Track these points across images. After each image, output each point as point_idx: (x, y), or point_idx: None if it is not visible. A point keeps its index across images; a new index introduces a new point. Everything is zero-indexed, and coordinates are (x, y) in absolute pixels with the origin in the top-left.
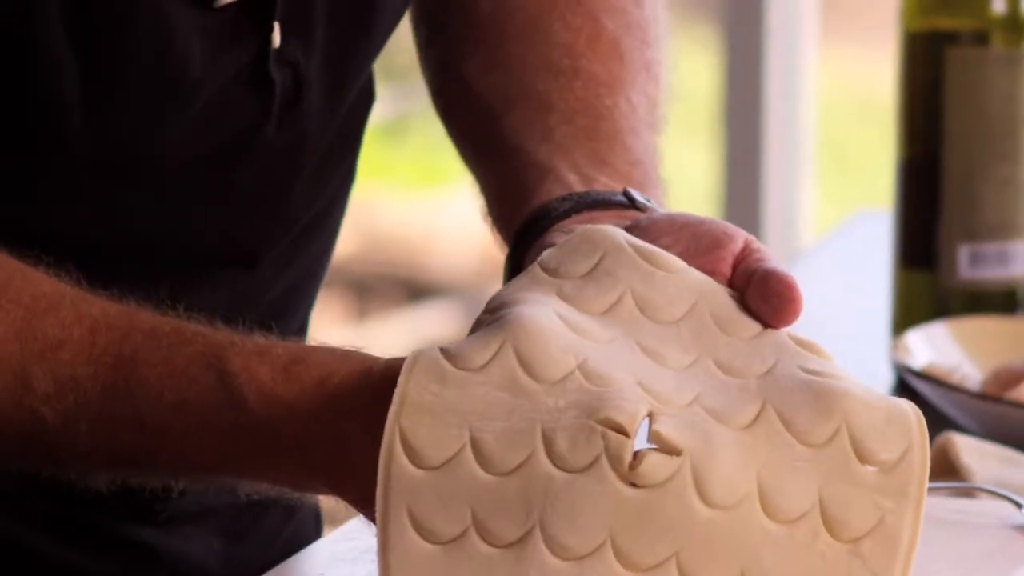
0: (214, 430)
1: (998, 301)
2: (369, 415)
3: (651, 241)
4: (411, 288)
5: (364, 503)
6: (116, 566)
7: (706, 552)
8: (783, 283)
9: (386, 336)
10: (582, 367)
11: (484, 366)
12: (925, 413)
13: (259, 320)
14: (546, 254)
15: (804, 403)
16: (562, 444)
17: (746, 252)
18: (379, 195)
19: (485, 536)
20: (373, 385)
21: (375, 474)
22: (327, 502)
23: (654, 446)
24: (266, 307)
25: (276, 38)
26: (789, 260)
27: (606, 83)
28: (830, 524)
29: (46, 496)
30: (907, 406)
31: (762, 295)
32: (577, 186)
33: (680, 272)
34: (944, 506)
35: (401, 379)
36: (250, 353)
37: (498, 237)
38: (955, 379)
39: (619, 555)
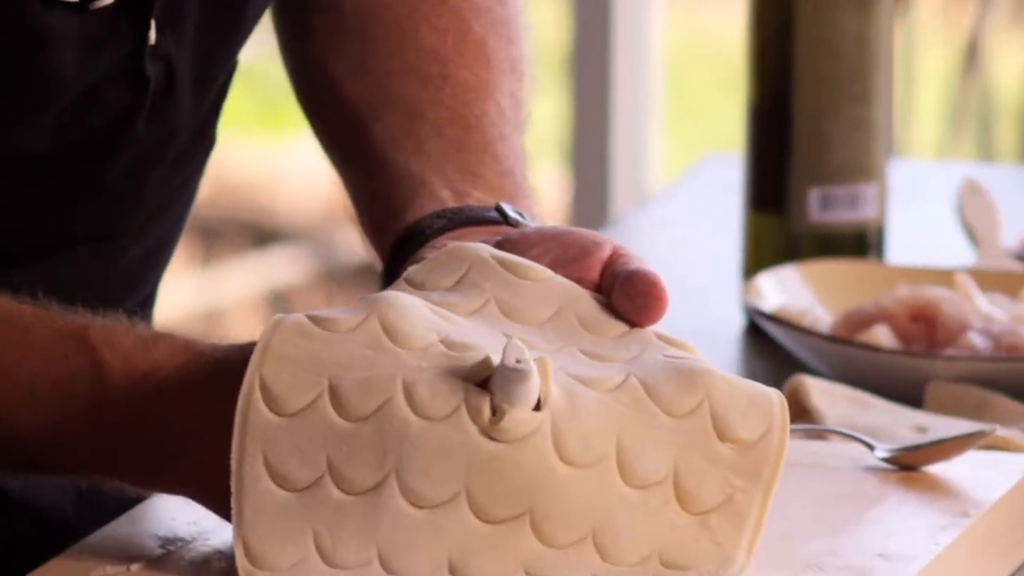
0: (74, 399)
1: (848, 244)
2: (226, 401)
3: (521, 253)
4: (257, 233)
5: (210, 494)
6: None
7: (560, 509)
8: (647, 282)
9: (233, 281)
10: (445, 341)
11: (350, 330)
12: (776, 356)
13: (116, 283)
14: (412, 269)
15: (668, 377)
16: (423, 392)
17: (613, 257)
18: (225, 140)
19: (339, 483)
20: (235, 370)
21: (227, 467)
22: None
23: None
24: (122, 272)
25: (152, 35)
26: (638, 205)
27: (474, 89)
28: (681, 495)
29: None
30: (773, 393)
31: (627, 295)
32: (450, 202)
33: (545, 280)
34: (796, 448)
35: (265, 331)
36: (112, 327)
37: (369, 247)
38: (806, 322)
39: (473, 507)
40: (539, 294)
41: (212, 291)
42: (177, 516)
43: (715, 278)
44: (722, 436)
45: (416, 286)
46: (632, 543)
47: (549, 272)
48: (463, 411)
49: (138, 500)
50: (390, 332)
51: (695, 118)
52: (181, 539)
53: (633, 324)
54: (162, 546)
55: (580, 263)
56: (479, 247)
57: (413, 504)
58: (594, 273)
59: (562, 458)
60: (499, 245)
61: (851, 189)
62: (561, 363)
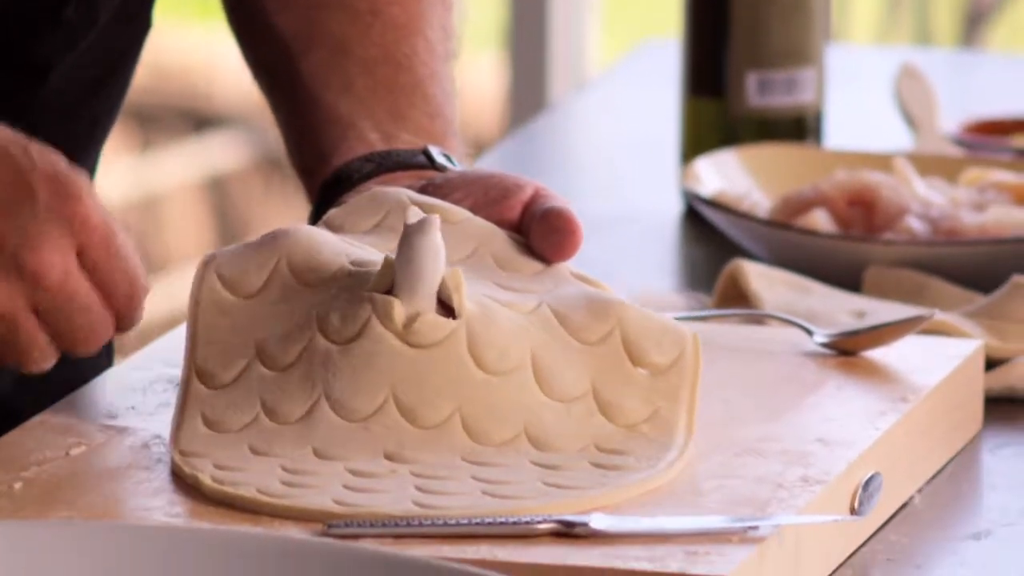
0: None
1: (787, 128)
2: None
3: (444, 197)
4: (195, 118)
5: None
6: None
7: (488, 410)
8: (562, 218)
9: (171, 167)
10: (354, 261)
11: (262, 288)
12: (715, 241)
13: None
14: (331, 212)
15: (579, 306)
16: (334, 320)
17: (534, 198)
18: (163, 27)
19: (272, 416)
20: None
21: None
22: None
23: None
24: (61, 133)
25: None
26: (576, 91)
27: (404, 25)
28: (604, 408)
29: None
30: (686, 327)
31: (542, 232)
32: (379, 144)
33: (461, 222)
34: (736, 333)
35: (189, 316)
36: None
37: (301, 186)
38: (744, 206)
39: (403, 411)
40: (455, 235)
41: (150, 177)
42: (115, 401)
43: (653, 164)
44: (636, 361)
45: (334, 229)
46: (566, 439)
47: (467, 214)
48: (374, 322)
49: (80, 382)
50: (298, 272)
51: (633, 3)
52: (121, 425)
53: (548, 260)
54: (102, 430)
55: (501, 204)
56: (399, 191)
57: (345, 418)
58: (514, 214)
59: (479, 364)
60: (423, 190)
61: (789, 73)
62: (476, 289)
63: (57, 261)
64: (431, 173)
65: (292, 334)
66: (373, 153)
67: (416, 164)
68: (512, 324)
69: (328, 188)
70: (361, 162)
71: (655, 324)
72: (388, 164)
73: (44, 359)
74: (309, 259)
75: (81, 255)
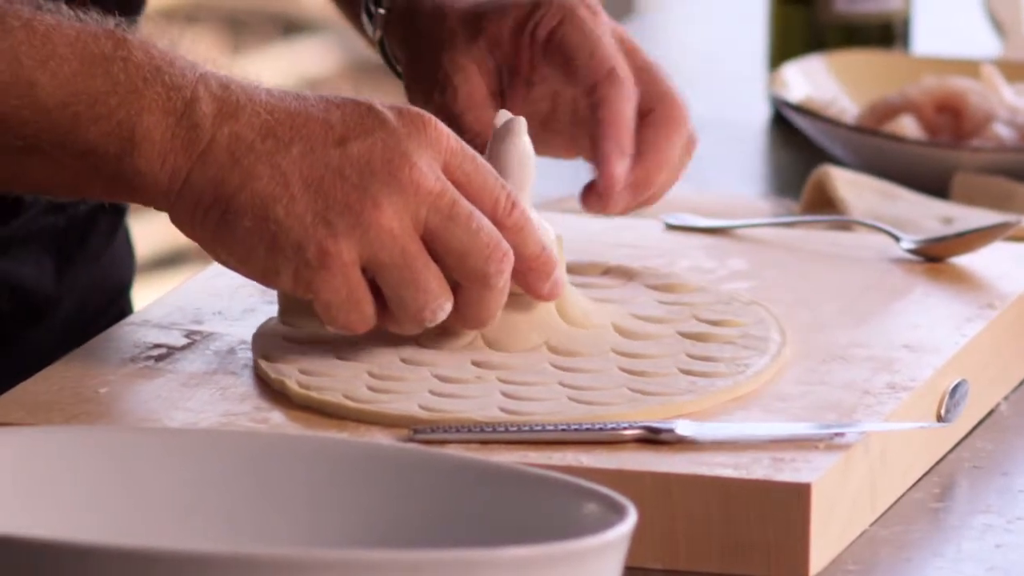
0: (88, 53)
1: (874, 34)
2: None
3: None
4: (284, 22)
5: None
6: None
7: (575, 341)
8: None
9: (260, 72)
10: None
11: None
12: (802, 147)
13: None
14: None
15: (651, 301)
16: None
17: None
18: None
19: None
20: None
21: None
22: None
23: None
24: None
25: None
26: None
27: None
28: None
29: None
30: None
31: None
32: None
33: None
34: (823, 239)
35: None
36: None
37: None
38: (831, 112)
39: (488, 343)
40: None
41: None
42: (202, 306)
43: (741, 70)
44: (719, 325)
45: None
46: (656, 349)
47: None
48: None
49: (109, 276)
50: None
51: None
52: (207, 330)
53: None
54: (187, 335)
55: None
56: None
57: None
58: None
59: (564, 317)
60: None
61: None
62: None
63: (429, 172)
64: None
65: None
66: None
67: None
68: (595, 304)
69: None
70: None
71: (723, 297)
72: None
73: (443, 295)
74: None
75: (447, 171)
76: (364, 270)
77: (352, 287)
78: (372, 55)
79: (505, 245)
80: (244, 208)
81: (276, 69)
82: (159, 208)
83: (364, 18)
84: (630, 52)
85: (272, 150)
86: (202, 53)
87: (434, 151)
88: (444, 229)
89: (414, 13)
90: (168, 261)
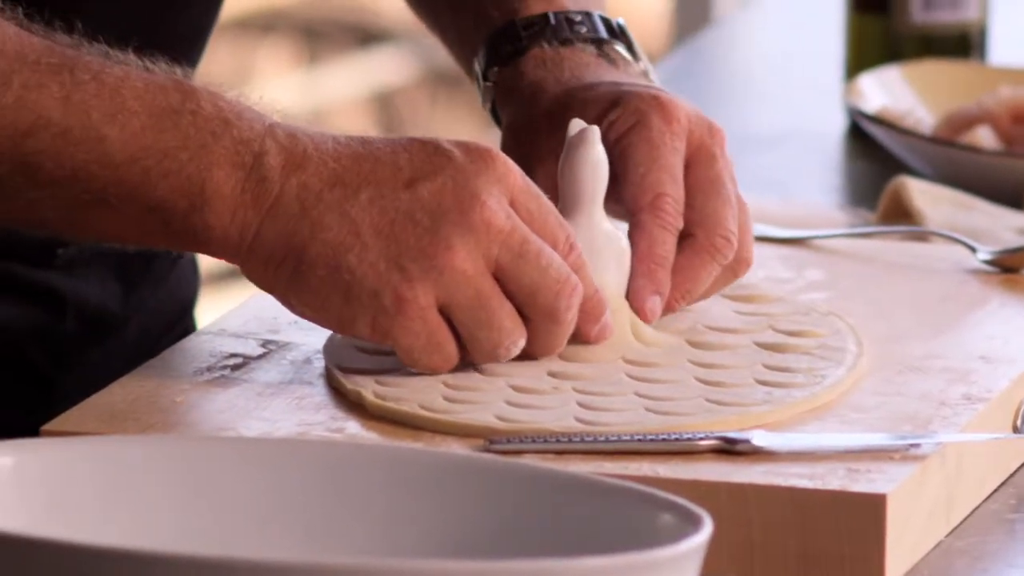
0: (156, 106)
1: (951, 45)
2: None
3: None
4: (361, 33)
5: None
6: (24, 310)
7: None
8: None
9: (336, 81)
10: None
11: None
12: (878, 157)
13: (178, 41)
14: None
15: (729, 315)
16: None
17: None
18: None
19: None
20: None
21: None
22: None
23: None
24: (183, 32)
25: None
26: (741, 6)
27: None
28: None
29: None
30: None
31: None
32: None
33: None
34: (899, 250)
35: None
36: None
37: (460, 57)
38: (908, 123)
39: (564, 355)
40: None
41: (317, 91)
42: (279, 315)
43: (818, 79)
44: (797, 336)
45: None
46: (732, 360)
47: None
48: None
49: (173, 298)
50: None
51: None
52: (283, 340)
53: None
54: (264, 344)
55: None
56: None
57: None
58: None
59: (637, 336)
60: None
61: None
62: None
63: (499, 210)
64: (593, 61)
65: None
66: (549, 13)
67: (584, 37)
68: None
69: (497, 38)
70: (535, 17)
71: (800, 308)
72: (561, 34)
73: (517, 332)
74: None
75: (514, 207)
76: (440, 310)
77: (431, 330)
78: (448, 66)
79: (574, 279)
80: (316, 259)
81: (352, 79)
82: (229, 261)
83: (476, 84)
84: (702, 160)
85: (341, 198)
86: (270, 105)
87: (502, 186)
88: (515, 267)
89: (513, 89)
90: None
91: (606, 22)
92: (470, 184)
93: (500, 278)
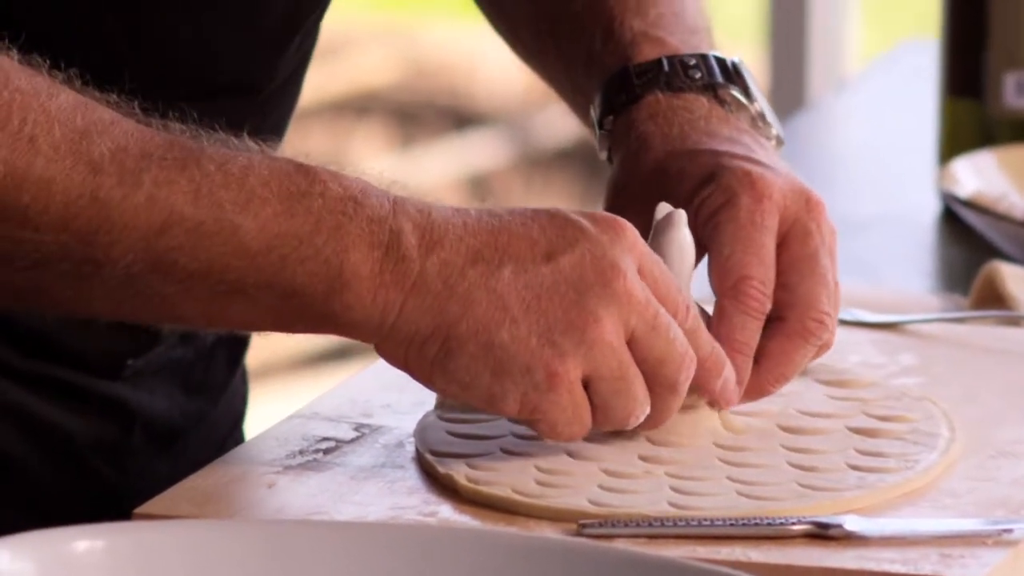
0: (285, 191)
1: None
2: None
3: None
4: (456, 116)
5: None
6: (90, 421)
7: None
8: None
9: (431, 164)
10: None
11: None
12: (971, 242)
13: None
14: None
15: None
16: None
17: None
18: (422, 21)
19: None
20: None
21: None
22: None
23: None
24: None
25: None
26: (835, 90)
27: None
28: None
29: (22, 351)
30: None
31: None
32: (677, 49)
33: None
34: (992, 335)
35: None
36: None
37: (575, 105)
38: (1002, 208)
39: (653, 441)
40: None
41: (411, 174)
42: (372, 398)
43: (911, 164)
44: (890, 421)
45: None
46: (825, 444)
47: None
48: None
49: (230, 405)
50: None
51: (892, 2)
52: (376, 423)
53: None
54: (356, 428)
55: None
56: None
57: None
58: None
59: (727, 427)
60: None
61: None
62: None
63: (635, 280)
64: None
65: None
66: (665, 57)
67: (698, 84)
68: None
69: (611, 86)
70: (653, 65)
71: (893, 392)
72: (675, 82)
73: (646, 402)
74: None
75: (641, 275)
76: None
77: (577, 403)
78: (543, 146)
79: (692, 352)
80: (467, 336)
81: (446, 162)
82: (367, 341)
83: (593, 132)
84: (797, 236)
85: (484, 274)
86: (385, 178)
87: (633, 256)
88: (647, 338)
89: (623, 140)
90: (337, 354)
91: (721, 63)
92: (608, 255)
93: (632, 348)
